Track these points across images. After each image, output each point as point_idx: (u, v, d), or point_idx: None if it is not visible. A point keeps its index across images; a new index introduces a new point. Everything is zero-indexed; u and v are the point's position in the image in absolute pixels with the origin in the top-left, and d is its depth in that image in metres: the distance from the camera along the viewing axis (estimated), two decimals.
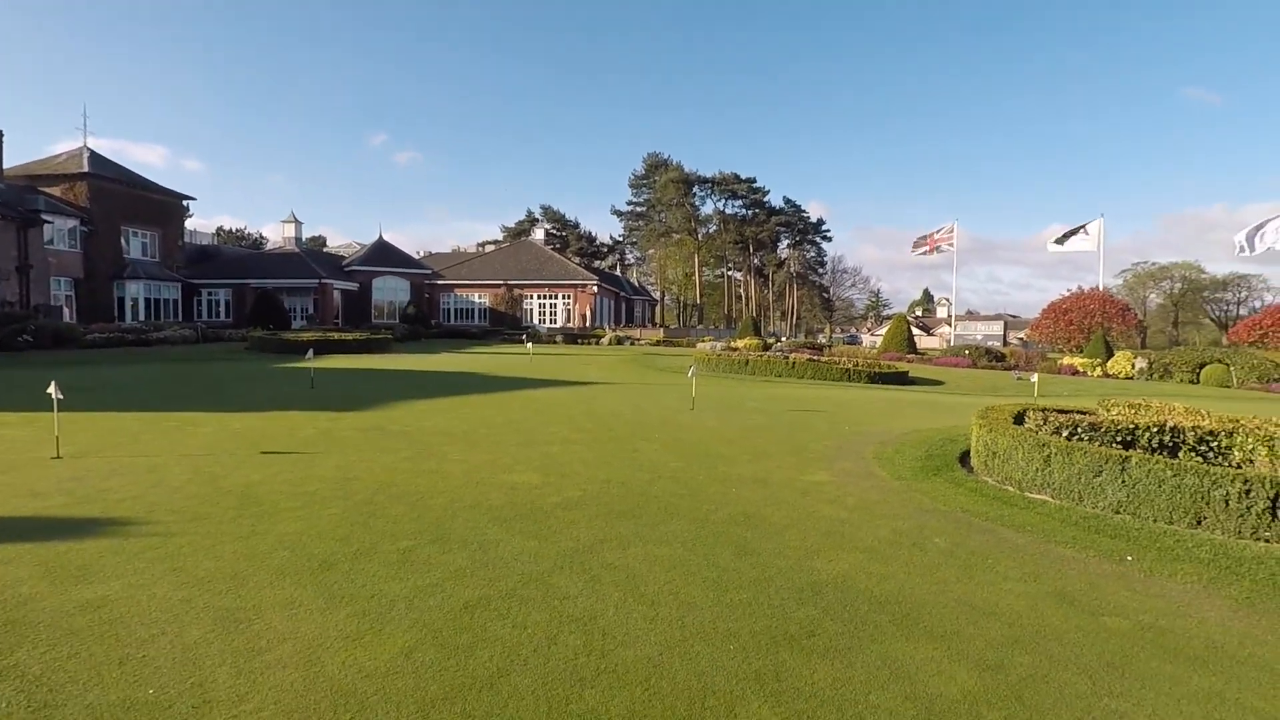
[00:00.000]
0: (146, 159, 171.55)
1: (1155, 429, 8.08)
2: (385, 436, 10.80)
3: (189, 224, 62.43)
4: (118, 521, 6.34)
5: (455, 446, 10.09)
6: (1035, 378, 20.08)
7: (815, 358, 28.44)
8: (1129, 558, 5.87)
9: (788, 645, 4.18)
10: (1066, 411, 9.54)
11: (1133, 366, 32.79)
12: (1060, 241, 41.08)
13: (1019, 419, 9.72)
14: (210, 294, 51.83)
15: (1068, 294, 39.76)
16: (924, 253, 46.42)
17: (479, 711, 3.44)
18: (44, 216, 39.27)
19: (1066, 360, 35.32)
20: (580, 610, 4.61)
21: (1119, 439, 8.20)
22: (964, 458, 9.95)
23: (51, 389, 9.30)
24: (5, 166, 39.06)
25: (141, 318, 45.16)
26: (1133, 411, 9.20)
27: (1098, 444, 8.02)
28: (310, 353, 17.22)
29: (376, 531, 6.16)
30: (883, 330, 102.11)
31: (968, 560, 5.78)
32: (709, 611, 4.62)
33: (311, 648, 4.06)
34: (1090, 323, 37.13)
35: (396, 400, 15.24)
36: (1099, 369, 33.38)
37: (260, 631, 4.25)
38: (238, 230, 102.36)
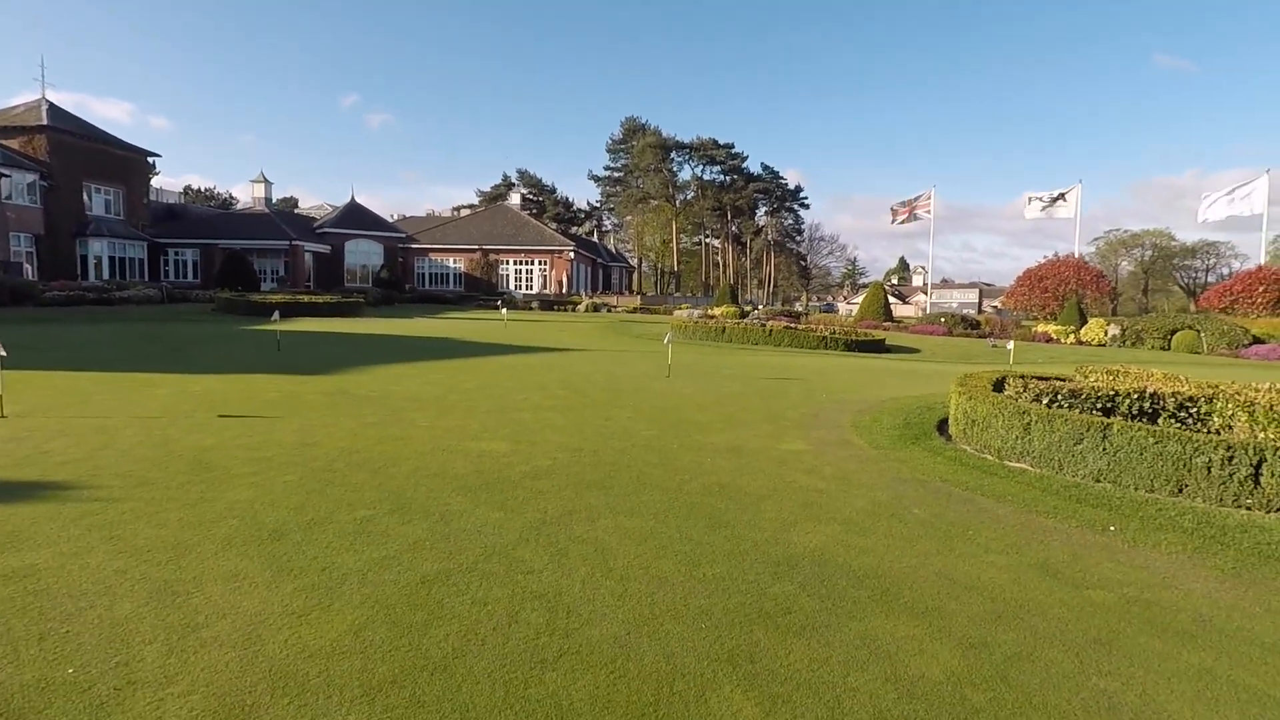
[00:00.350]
0: (112, 114, 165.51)
1: (1135, 395, 7.97)
2: (351, 401, 10.42)
3: (155, 182, 60.51)
4: (57, 485, 5.96)
5: (423, 412, 9.75)
6: (1011, 345, 20.10)
7: (792, 325, 28.31)
8: (1112, 528, 5.74)
9: (762, 623, 3.96)
10: (1046, 378, 9.42)
11: (1105, 333, 33.12)
12: (1041, 208, 41.10)
13: (998, 386, 9.58)
14: (177, 254, 50.38)
15: (1043, 261, 39.93)
16: (903, 220, 46.27)
17: (430, 696, 3.18)
18: (0, 170, 37.72)
19: (1041, 328, 35.60)
20: (545, 586, 4.35)
21: (1099, 406, 8.08)
22: (942, 426, 9.82)
23: None
24: None
25: (105, 277, 43.79)
26: (1111, 378, 9.09)
27: (1078, 411, 7.89)
28: (276, 315, 16.66)
29: (333, 500, 5.85)
30: (859, 299, 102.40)
31: (948, 531, 5.61)
32: (680, 588, 4.39)
33: (252, 624, 3.76)
34: (1065, 290, 37.38)
35: (366, 364, 14.80)
36: (1072, 336, 33.69)
37: (198, 606, 3.95)
38: (207, 190, 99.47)
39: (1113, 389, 8.18)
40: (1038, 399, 8.42)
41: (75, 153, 43.90)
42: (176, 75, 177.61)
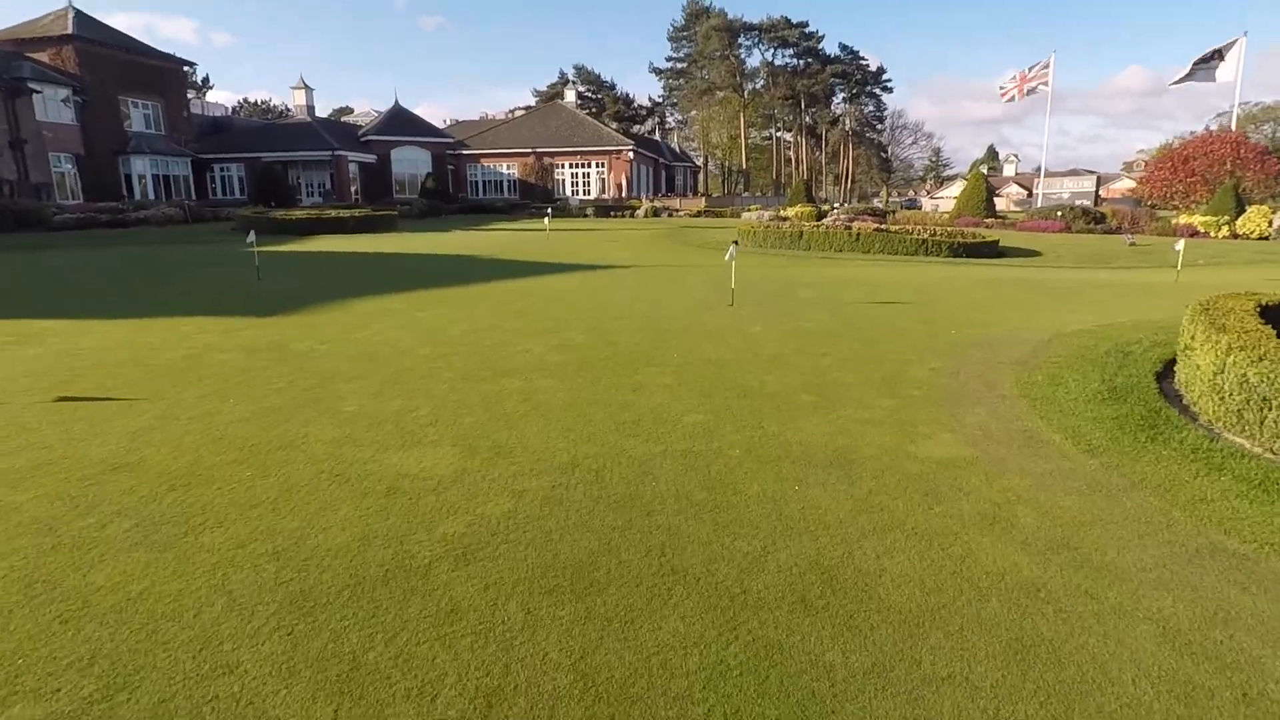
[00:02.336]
0: (177, 33, 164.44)
1: None
2: (274, 364, 7.35)
3: (210, 96, 58.36)
4: None
5: (364, 383, 6.60)
6: (1180, 245, 15.46)
7: (882, 227, 23.83)
8: None
9: None
10: None
11: (1269, 224, 27.25)
12: (1186, 75, 33.88)
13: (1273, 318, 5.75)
14: (223, 170, 48.40)
15: (1189, 138, 33.20)
16: (1015, 97, 39.56)
17: None
18: (31, 85, 35.70)
19: (1183, 219, 29.78)
20: None
21: None
22: (1159, 383, 6.12)
23: None
24: None
25: (151, 196, 42.25)
26: None
27: None
28: (251, 237, 13.71)
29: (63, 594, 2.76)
30: (944, 193, 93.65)
31: None
32: None
33: None
34: (1218, 172, 30.94)
35: (348, 297, 11.76)
36: (1225, 228, 27.90)
37: None
38: (263, 102, 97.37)
39: None
40: None
41: (106, 64, 41.53)
42: None
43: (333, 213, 26.85)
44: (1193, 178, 30.08)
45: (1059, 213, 31.52)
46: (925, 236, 21.27)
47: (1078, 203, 39.64)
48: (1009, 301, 11.98)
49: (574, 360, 7.53)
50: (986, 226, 30.13)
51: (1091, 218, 30.93)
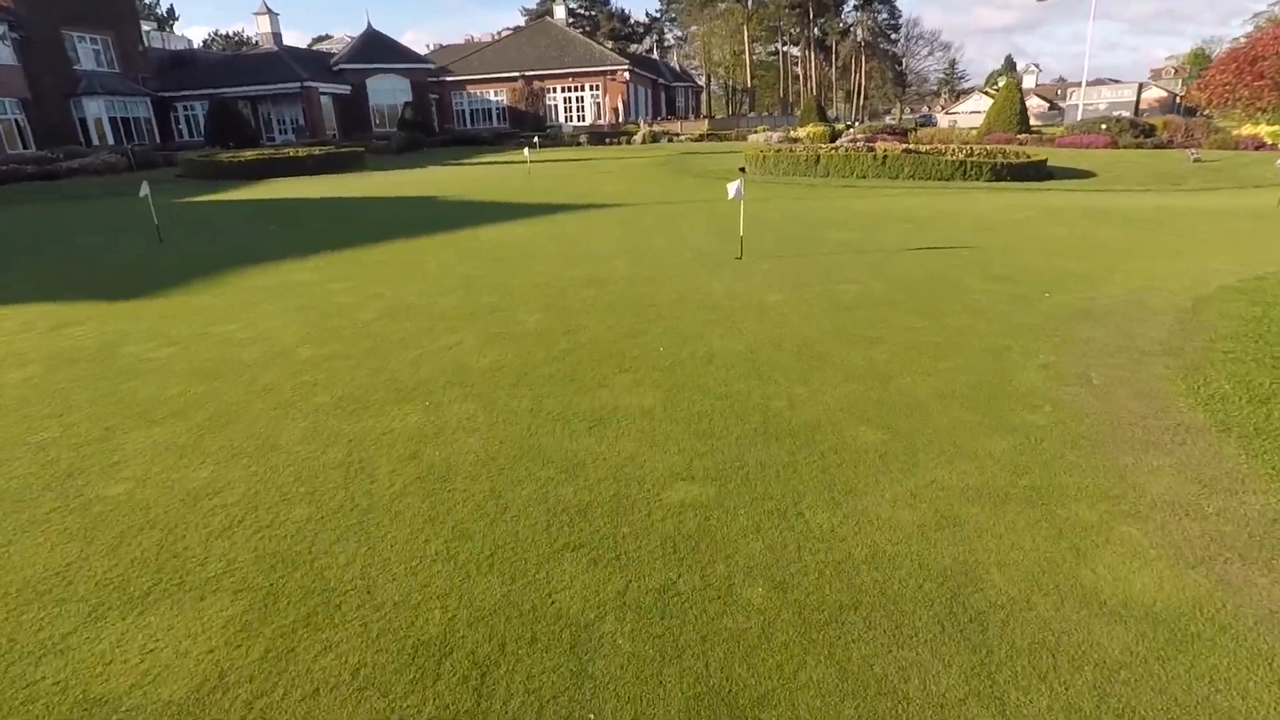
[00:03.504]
0: None
1: None
2: (75, 385, 5.02)
3: (179, 30, 54.11)
4: None
5: (167, 435, 4.27)
6: None
7: (912, 148, 20.84)
8: None
9: None
10: None
11: None
12: None
13: None
14: (187, 109, 44.97)
15: (1256, 36, 29.36)
16: None
17: None
18: None
19: (1246, 130, 26.49)
20: None
21: None
22: None
23: None
24: None
25: (110, 140, 39.12)
26: None
27: None
28: (145, 189, 11.17)
29: None
30: (960, 108, 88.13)
31: None
32: None
33: None
34: None
35: (251, 264, 9.33)
36: None
37: None
38: (235, 34, 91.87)
39: None
40: None
41: None
42: None
43: (289, 152, 24.03)
44: (1261, 81, 26.54)
45: (1103, 126, 28.22)
46: (961, 157, 18.39)
47: (1117, 114, 35.97)
48: (1095, 242, 9.43)
49: (513, 364, 5.17)
50: (1021, 143, 26.95)
51: (1140, 130, 27.66)
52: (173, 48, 53.01)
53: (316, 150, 24.76)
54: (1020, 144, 26.62)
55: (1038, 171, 18.36)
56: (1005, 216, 11.74)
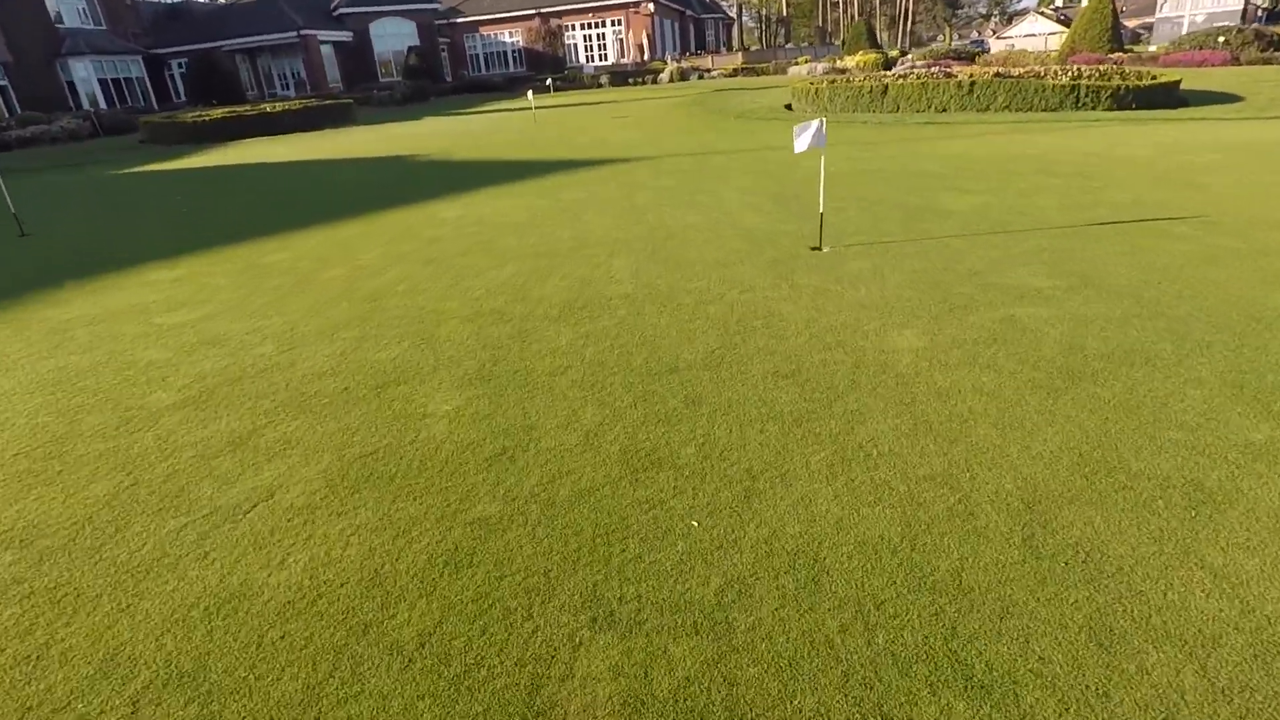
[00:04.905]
0: None
1: None
2: None
3: None
4: None
5: None
6: None
7: (1001, 72, 16.85)
8: None
9: None
10: None
11: None
12: None
13: None
14: (181, 66, 41.99)
15: None
16: None
17: None
18: None
19: None
20: None
21: None
22: None
23: None
24: None
25: (102, 105, 36.45)
26: None
27: None
28: None
29: None
30: (1013, 32, 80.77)
31: None
32: None
33: None
34: None
35: (101, 272, 6.40)
36: None
37: None
38: None
39: None
40: None
41: None
42: None
43: (266, 108, 20.95)
44: None
45: (1220, 39, 23.58)
46: (1068, 81, 14.50)
47: (1218, 24, 30.81)
48: None
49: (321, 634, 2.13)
50: (1116, 63, 22.49)
51: (1268, 42, 22.99)
52: (165, 0, 49.82)
53: (294, 105, 21.59)
54: (1116, 64, 22.20)
55: (1169, 97, 14.40)
56: (1186, 161, 8.21)
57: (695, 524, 2.41)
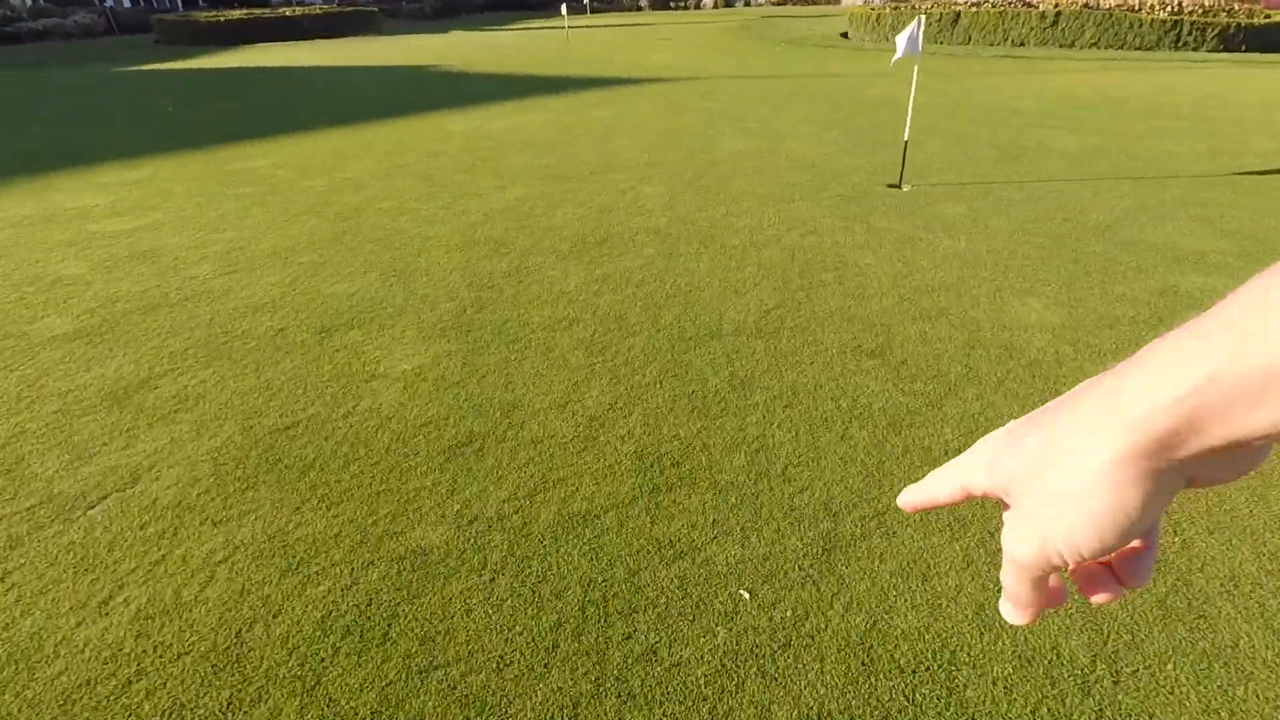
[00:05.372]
0: None
1: None
2: None
3: None
4: None
5: None
6: None
7: (1090, 3, 15.05)
8: None
9: None
10: None
11: None
12: None
13: None
14: None
15: None
16: None
17: None
18: None
19: None
20: None
21: None
22: None
23: None
24: None
25: (126, 3, 35.14)
26: None
27: None
28: None
29: None
30: None
31: None
32: None
33: None
34: None
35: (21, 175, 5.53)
36: None
37: None
38: None
39: None
40: None
41: None
42: None
43: (285, 11, 19.65)
44: None
45: None
46: (1167, 17, 12.83)
47: None
48: None
49: None
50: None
51: None
52: None
53: (315, 10, 20.25)
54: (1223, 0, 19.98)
55: None
56: None
57: (746, 594, 1.53)
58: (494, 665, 1.39)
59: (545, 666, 1.38)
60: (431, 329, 2.75)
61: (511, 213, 4.13)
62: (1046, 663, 1.37)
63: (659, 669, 1.37)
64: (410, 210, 4.23)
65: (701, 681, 1.35)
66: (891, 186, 4.38)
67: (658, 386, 2.31)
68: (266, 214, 4.23)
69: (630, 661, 1.39)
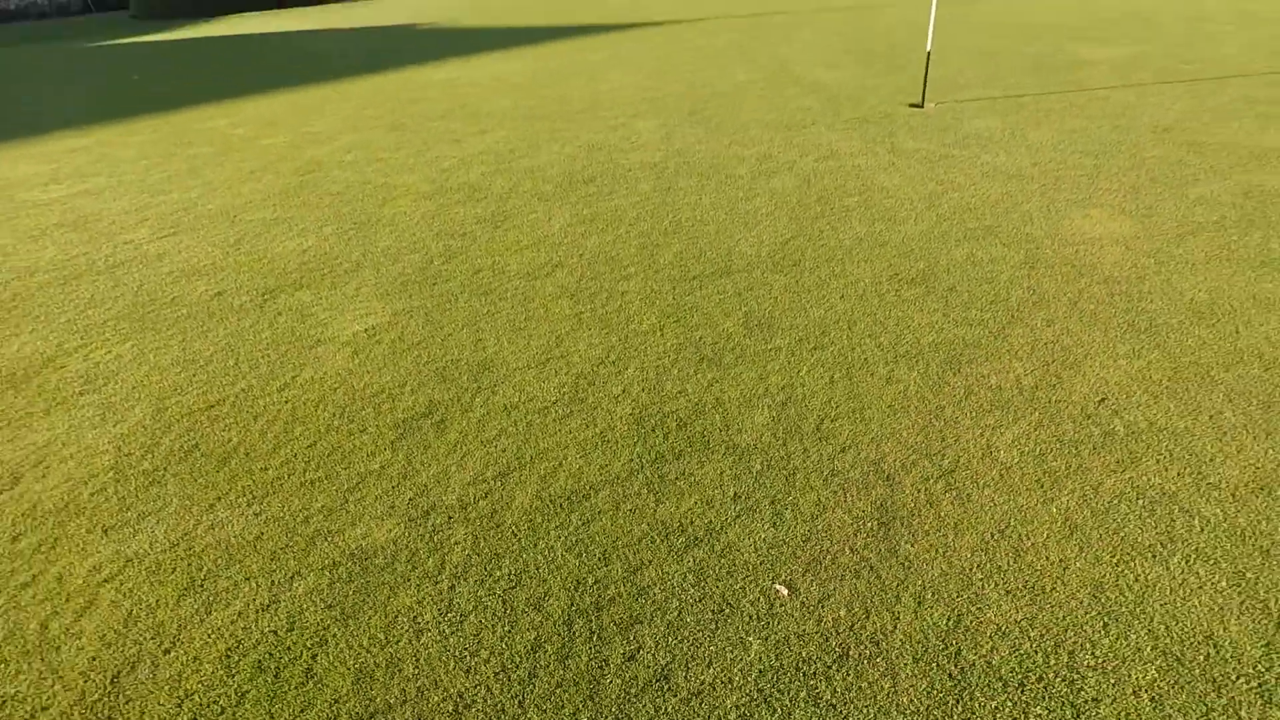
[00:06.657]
0: None
1: None
2: None
3: None
4: None
5: None
6: None
7: None
8: None
9: None
10: None
11: None
12: None
13: None
14: None
15: None
16: None
17: None
18: None
19: None
20: None
21: None
22: None
23: None
24: None
25: None
26: None
27: None
28: None
29: None
30: None
31: None
32: None
33: None
34: None
35: None
36: None
37: None
38: None
39: None
40: None
41: None
42: None
43: None
44: None
45: None
46: None
47: None
48: None
49: None
50: None
51: None
52: None
53: None
54: None
55: None
56: None
57: (783, 590, 1.15)
58: (451, 708, 1.02)
59: (520, 705, 1.01)
60: (391, 284, 2.35)
61: (489, 155, 3.70)
62: (1203, 659, 1.00)
63: (674, 700, 1.00)
64: (378, 160, 3.80)
65: (732, 715, 0.98)
66: (914, 106, 3.92)
67: (658, 335, 1.92)
68: (219, 173, 3.82)
69: (634, 692, 1.02)
